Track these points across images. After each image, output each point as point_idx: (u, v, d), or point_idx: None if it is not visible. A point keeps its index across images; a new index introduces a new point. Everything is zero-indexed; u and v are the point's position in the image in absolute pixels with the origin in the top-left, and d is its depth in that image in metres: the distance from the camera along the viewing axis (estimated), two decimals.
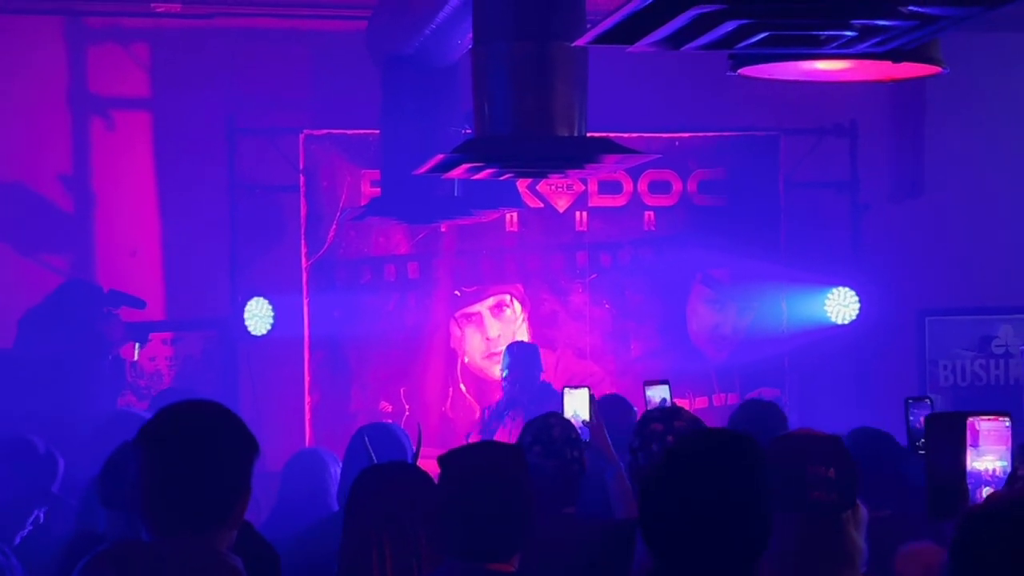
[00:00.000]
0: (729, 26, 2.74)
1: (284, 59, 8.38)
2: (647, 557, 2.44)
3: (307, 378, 8.19)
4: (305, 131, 8.19)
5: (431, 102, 6.61)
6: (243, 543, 2.81)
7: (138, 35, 8.37)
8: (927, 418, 2.93)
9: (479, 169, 4.93)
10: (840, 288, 8.48)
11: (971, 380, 8.92)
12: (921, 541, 3.42)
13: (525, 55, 4.67)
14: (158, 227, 8.38)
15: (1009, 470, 2.68)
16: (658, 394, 5.03)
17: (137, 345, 7.72)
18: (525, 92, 4.66)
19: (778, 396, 8.19)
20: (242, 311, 8.07)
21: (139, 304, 7.57)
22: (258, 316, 8.09)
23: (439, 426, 8.22)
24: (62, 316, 7.31)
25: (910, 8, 2.72)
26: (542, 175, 6.31)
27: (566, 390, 4.71)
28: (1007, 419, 2.71)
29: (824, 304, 8.48)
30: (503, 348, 7.94)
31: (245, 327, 8.07)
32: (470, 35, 4.99)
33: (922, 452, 3.97)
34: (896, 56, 3.18)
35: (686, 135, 8.50)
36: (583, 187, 8.46)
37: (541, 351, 7.79)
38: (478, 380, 8.40)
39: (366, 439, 4.25)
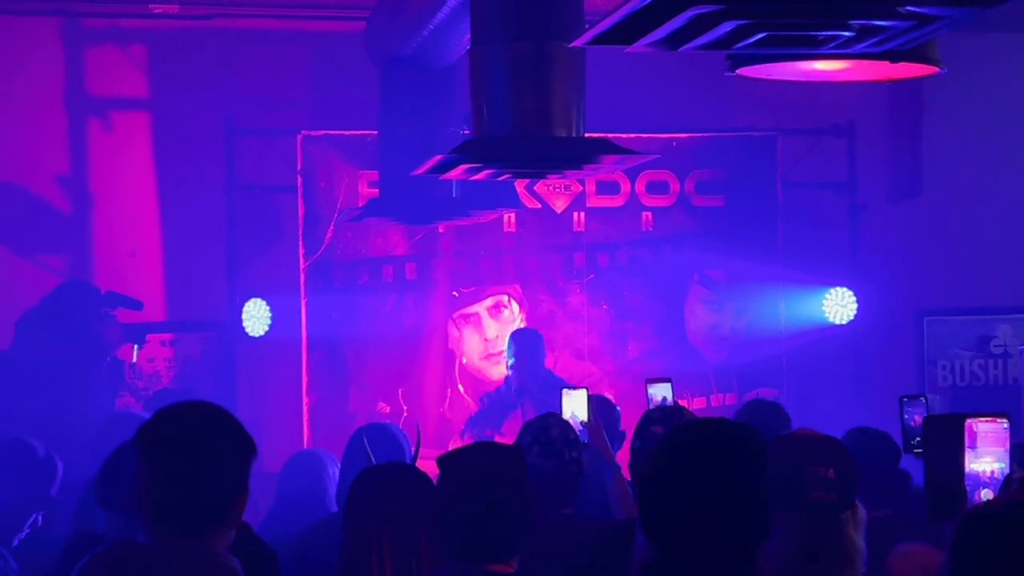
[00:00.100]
0: (727, 26, 2.74)
1: (282, 60, 8.38)
2: (648, 549, 2.44)
3: (305, 379, 8.19)
4: (303, 132, 8.18)
5: (429, 103, 6.61)
6: (241, 544, 2.81)
7: (136, 36, 8.37)
8: (925, 420, 2.94)
9: (477, 170, 4.93)
10: (838, 288, 8.48)
11: (970, 380, 8.92)
12: (916, 542, 3.42)
13: (523, 56, 4.66)
14: (156, 228, 8.38)
15: (1007, 472, 2.68)
16: (660, 392, 5.03)
17: (136, 346, 7.71)
18: (523, 93, 4.66)
19: (776, 396, 8.19)
20: (240, 312, 8.07)
21: (136, 305, 7.56)
22: (256, 317, 8.09)
23: (437, 427, 8.22)
24: (59, 317, 7.29)
25: (908, 8, 2.72)
26: (540, 176, 6.31)
27: (564, 391, 4.72)
28: (1005, 420, 2.71)
29: (822, 304, 8.48)
30: (501, 349, 7.93)
31: (243, 328, 8.06)
32: (468, 36, 4.99)
33: (918, 451, 3.98)
34: (894, 56, 3.19)
35: (684, 136, 8.50)
36: (581, 188, 8.46)
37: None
38: (476, 381, 8.40)
39: (365, 440, 4.24)
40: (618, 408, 5.97)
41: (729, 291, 8.55)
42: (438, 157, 4.96)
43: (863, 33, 2.87)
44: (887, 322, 8.64)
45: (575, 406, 4.63)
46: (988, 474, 2.65)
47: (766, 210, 8.55)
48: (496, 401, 7.53)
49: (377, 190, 7.37)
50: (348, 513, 3.36)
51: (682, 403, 5.34)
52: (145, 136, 8.39)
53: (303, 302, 8.16)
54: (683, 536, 2.35)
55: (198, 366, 8.24)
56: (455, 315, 8.41)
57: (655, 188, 8.53)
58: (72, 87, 8.29)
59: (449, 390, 8.37)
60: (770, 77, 3.59)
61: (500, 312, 8.44)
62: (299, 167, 8.19)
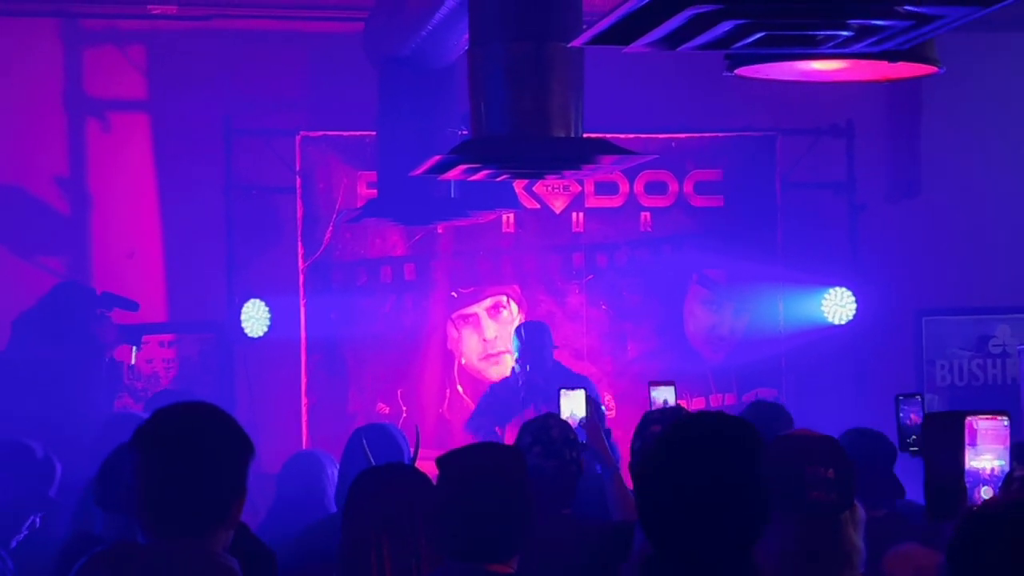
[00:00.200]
0: (725, 26, 2.74)
1: (280, 61, 8.38)
2: (647, 548, 2.44)
3: (304, 380, 8.18)
4: (301, 132, 8.18)
5: (428, 103, 6.61)
6: (239, 544, 2.81)
7: (134, 37, 8.37)
8: (925, 417, 2.94)
9: (476, 170, 4.93)
10: (837, 288, 8.48)
11: (968, 380, 8.93)
12: (911, 543, 3.41)
13: (522, 56, 4.66)
14: (155, 229, 8.38)
15: (1007, 469, 2.68)
16: (662, 395, 5.03)
17: (134, 348, 7.71)
18: (522, 93, 4.66)
19: (775, 396, 8.19)
20: (239, 313, 8.07)
21: (132, 306, 7.56)
22: (255, 318, 8.09)
23: (436, 427, 8.22)
24: (54, 318, 7.29)
25: (906, 8, 2.72)
26: (539, 176, 6.31)
27: (562, 391, 4.72)
28: (1005, 418, 2.71)
29: (821, 304, 8.48)
30: (500, 349, 7.92)
31: (242, 329, 8.06)
32: (466, 36, 4.99)
33: (914, 449, 3.98)
34: (892, 56, 3.19)
35: (682, 136, 8.50)
36: (579, 188, 8.46)
37: None
38: (475, 381, 8.39)
39: (364, 441, 4.24)
40: (604, 408, 5.97)
41: (728, 291, 8.55)
42: (437, 157, 4.96)
43: (861, 33, 2.87)
44: (886, 322, 8.64)
45: (573, 406, 4.63)
46: (988, 472, 2.65)
47: (765, 210, 8.55)
48: (503, 393, 7.49)
49: (376, 191, 7.37)
50: (347, 514, 3.36)
51: (681, 403, 5.35)
52: (144, 137, 8.39)
53: (302, 303, 8.16)
54: (680, 531, 2.35)
55: (197, 367, 8.24)
56: (454, 316, 8.41)
57: (654, 188, 8.53)
58: (71, 88, 8.29)
59: (448, 391, 8.37)
60: (768, 77, 3.59)
61: (499, 312, 8.44)
62: (298, 168, 8.19)
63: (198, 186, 8.25)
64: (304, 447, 7.79)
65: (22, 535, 4.78)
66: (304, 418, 8.15)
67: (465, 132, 6.08)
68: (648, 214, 8.54)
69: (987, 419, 2.68)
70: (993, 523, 2.14)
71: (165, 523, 2.68)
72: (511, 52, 4.67)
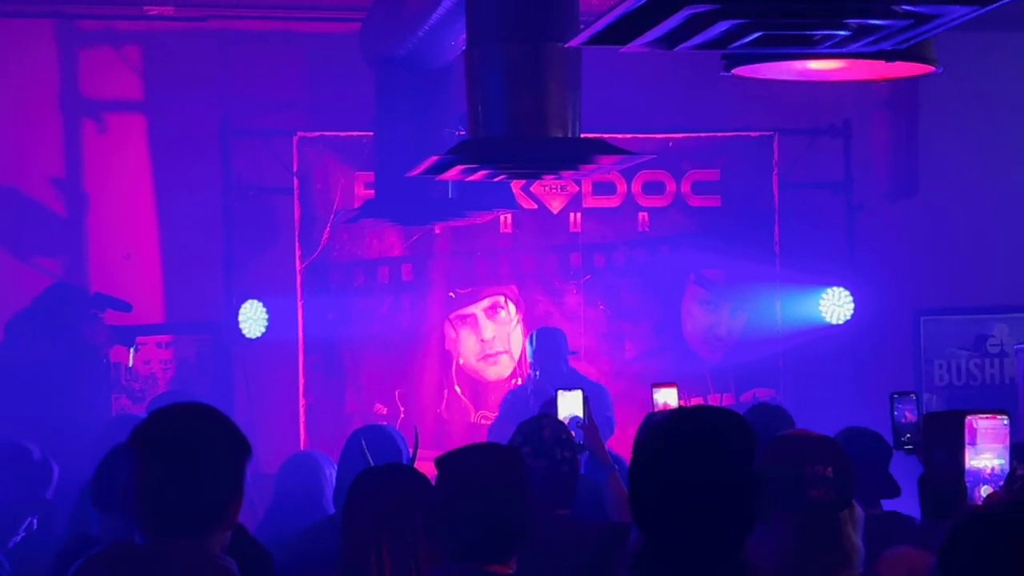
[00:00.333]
0: (722, 26, 2.74)
1: (277, 61, 8.37)
2: (639, 540, 2.44)
3: (302, 380, 8.18)
4: (299, 133, 8.18)
5: (425, 104, 6.60)
6: (236, 545, 2.80)
7: (131, 38, 8.36)
8: (925, 417, 2.93)
9: (473, 171, 4.93)
10: (835, 288, 8.47)
11: (966, 379, 8.93)
12: (905, 545, 3.41)
13: (519, 56, 4.66)
14: (152, 230, 8.36)
15: (1007, 468, 2.68)
16: (665, 397, 5.01)
17: (131, 349, 7.70)
18: (519, 93, 4.65)
19: (773, 396, 8.19)
20: (236, 314, 8.06)
21: (125, 307, 7.55)
22: (252, 319, 8.08)
23: (434, 428, 8.21)
24: (46, 319, 7.29)
25: (904, 7, 2.71)
26: (536, 176, 6.31)
27: (559, 392, 4.71)
28: (1005, 417, 2.71)
29: (819, 304, 8.48)
30: (498, 350, 7.91)
31: (239, 330, 8.06)
32: (463, 36, 4.99)
33: (908, 447, 3.98)
34: (890, 56, 3.18)
35: (680, 136, 8.49)
36: (577, 188, 8.45)
37: None
38: (473, 382, 8.39)
39: (363, 442, 4.24)
40: (613, 420, 5.93)
41: (726, 291, 8.55)
42: (434, 158, 4.96)
43: (859, 32, 2.87)
44: (884, 322, 8.64)
45: (571, 407, 4.62)
46: (988, 471, 2.65)
47: (763, 210, 8.55)
48: (512, 404, 7.40)
49: (373, 191, 7.37)
50: (347, 515, 3.35)
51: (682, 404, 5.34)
52: (140, 138, 8.38)
53: (299, 303, 8.15)
54: (672, 524, 2.34)
55: (195, 368, 8.23)
56: (451, 316, 8.40)
57: (651, 188, 8.53)
58: (67, 89, 8.28)
59: (446, 391, 8.37)
60: (766, 77, 3.58)
61: (496, 313, 8.44)
62: (295, 168, 8.18)
63: (195, 187, 8.24)
64: (302, 448, 7.79)
65: (19, 537, 4.77)
66: (302, 419, 8.15)
67: (462, 132, 6.08)
68: (646, 214, 8.54)
69: (987, 418, 2.68)
70: (984, 525, 2.13)
71: (162, 524, 2.68)
72: (508, 52, 4.67)
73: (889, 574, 3.32)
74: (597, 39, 2.94)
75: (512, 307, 8.44)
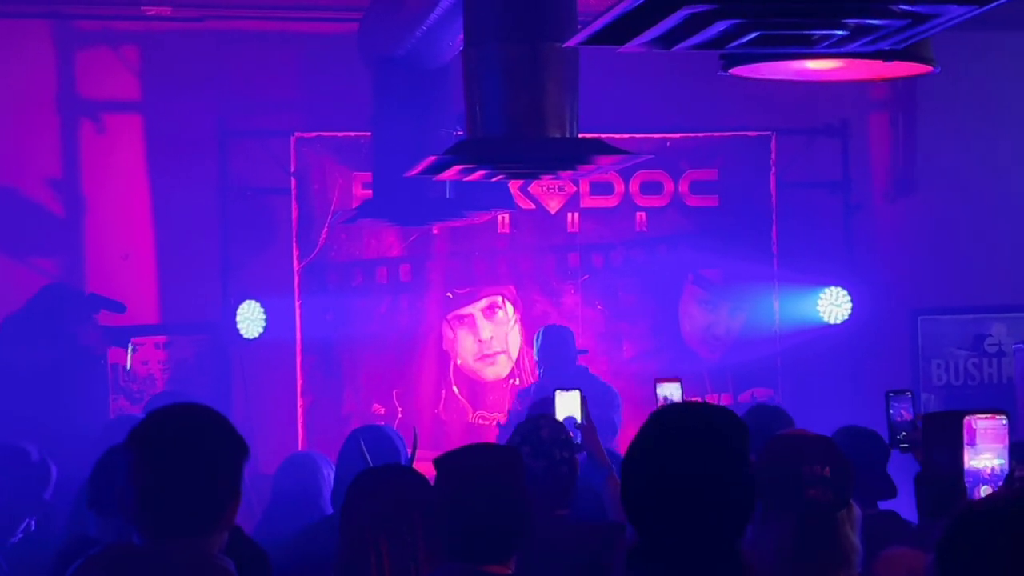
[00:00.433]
0: (720, 26, 2.74)
1: (275, 61, 8.37)
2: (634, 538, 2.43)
3: (299, 381, 8.18)
4: (296, 133, 8.17)
5: (422, 104, 6.60)
6: (234, 546, 2.80)
7: (128, 38, 8.35)
8: (924, 417, 2.93)
9: (471, 171, 4.92)
10: (832, 288, 8.48)
11: (964, 379, 8.93)
12: (902, 545, 3.41)
13: (516, 56, 4.66)
14: (149, 231, 8.36)
15: (1007, 468, 2.68)
16: (668, 392, 5.02)
17: (129, 350, 7.70)
18: (516, 93, 4.65)
19: (771, 396, 8.19)
20: (234, 314, 8.06)
21: (119, 308, 7.54)
22: (250, 319, 8.08)
23: (432, 428, 8.21)
24: (39, 320, 7.28)
25: (901, 7, 2.71)
26: (534, 176, 6.30)
27: (557, 392, 4.70)
28: (1004, 417, 2.71)
29: (817, 304, 8.48)
30: (496, 350, 7.90)
31: (237, 330, 8.05)
32: (461, 36, 4.98)
33: (904, 446, 3.98)
34: (887, 55, 3.18)
35: (677, 136, 8.50)
36: (575, 188, 8.46)
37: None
38: (471, 382, 8.39)
39: (361, 442, 4.24)
40: (617, 424, 5.89)
41: (724, 291, 8.55)
42: (432, 158, 4.95)
43: (857, 32, 2.87)
44: (882, 321, 8.64)
45: (569, 408, 4.61)
46: (988, 471, 2.65)
47: (760, 210, 8.55)
48: (519, 407, 7.38)
49: (371, 191, 7.36)
50: (345, 515, 3.35)
51: None
52: (137, 138, 8.37)
53: (297, 304, 8.15)
54: (665, 520, 2.34)
55: (192, 369, 8.22)
56: (449, 316, 8.40)
57: (649, 188, 8.53)
58: (64, 89, 8.28)
59: (444, 391, 8.37)
60: (764, 76, 3.58)
61: (494, 313, 8.43)
62: (292, 169, 8.18)
63: (192, 187, 8.23)
64: (300, 448, 7.78)
65: (17, 538, 4.77)
66: (300, 419, 8.14)
67: (460, 132, 6.07)
68: (643, 214, 8.53)
69: (986, 418, 2.68)
70: (981, 520, 2.13)
71: (160, 525, 2.68)
72: (506, 52, 4.67)
73: (886, 574, 3.32)
74: (595, 39, 2.94)
75: (510, 307, 8.44)
